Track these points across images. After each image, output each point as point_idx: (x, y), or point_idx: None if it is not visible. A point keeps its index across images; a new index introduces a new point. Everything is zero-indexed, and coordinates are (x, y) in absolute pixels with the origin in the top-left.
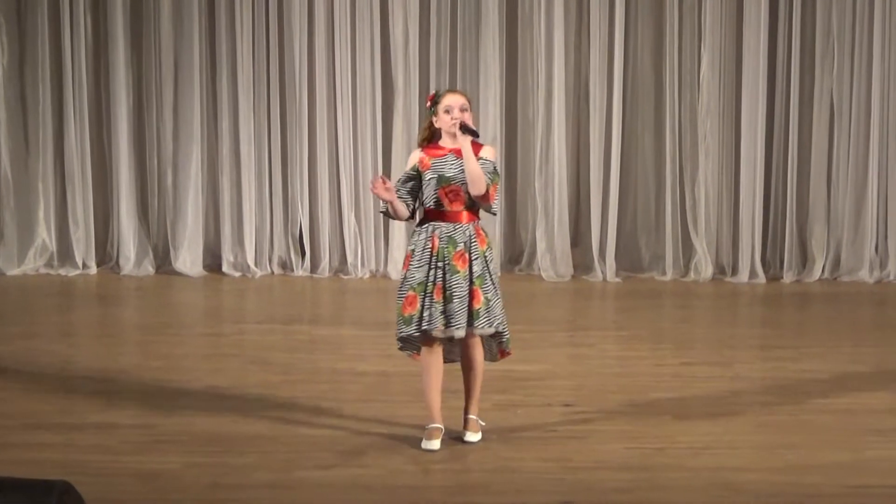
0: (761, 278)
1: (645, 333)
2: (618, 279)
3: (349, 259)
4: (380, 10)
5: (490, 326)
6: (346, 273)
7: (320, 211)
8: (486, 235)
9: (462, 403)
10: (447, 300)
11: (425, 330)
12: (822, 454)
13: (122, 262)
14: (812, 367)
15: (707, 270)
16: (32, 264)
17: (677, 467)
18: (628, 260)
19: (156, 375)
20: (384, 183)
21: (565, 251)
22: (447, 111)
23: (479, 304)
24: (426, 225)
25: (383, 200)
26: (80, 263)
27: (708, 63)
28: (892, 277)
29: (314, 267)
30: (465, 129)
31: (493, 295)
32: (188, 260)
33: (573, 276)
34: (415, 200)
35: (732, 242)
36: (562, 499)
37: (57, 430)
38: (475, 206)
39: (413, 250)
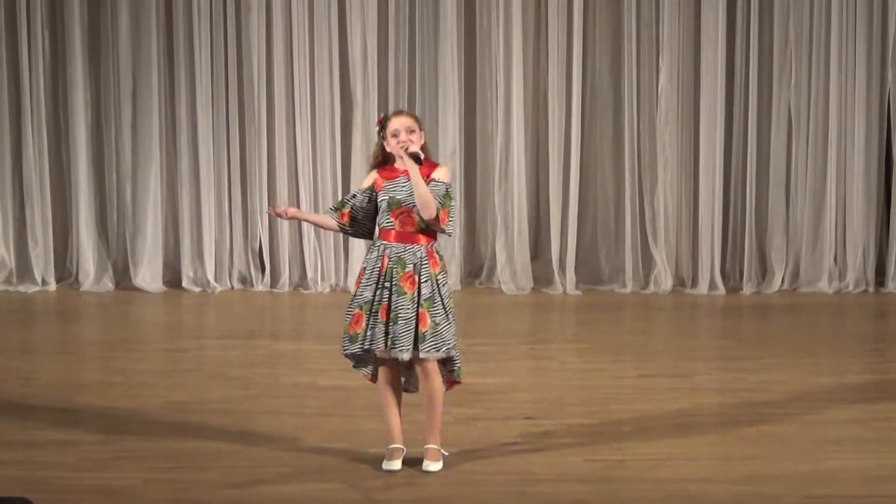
0: (721, 290)
1: (605, 346)
2: (578, 292)
3: (309, 274)
4: (338, 25)
5: (437, 351)
6: (306, 288)
7: (280, 225)
8: (441, 258)
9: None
10: (391, 321)
11: (368, 349)
12: (782, 465)
13: (81, 278)
14: (772, 378)
15: (667, 282)
16: None
17: (638, 479)
18: (588, 272)
19: (116, 391)
20: (276, 210)
21: (525, 264)
22: (394, 135)
23: (425, 328)
24: (378, 244)
25: (299, 220)
26: (39, 280)
27: (666, 75)
28: (850, 288)
29: (274, 282)
30: (409, 154)
31: (442, 319)
32: (148, 275)
33: (533, 289)
34: (372, 222)
35: (692, 254)
36: None
37: (17, 447)
38: (430, 227)
39: (365, 268)
